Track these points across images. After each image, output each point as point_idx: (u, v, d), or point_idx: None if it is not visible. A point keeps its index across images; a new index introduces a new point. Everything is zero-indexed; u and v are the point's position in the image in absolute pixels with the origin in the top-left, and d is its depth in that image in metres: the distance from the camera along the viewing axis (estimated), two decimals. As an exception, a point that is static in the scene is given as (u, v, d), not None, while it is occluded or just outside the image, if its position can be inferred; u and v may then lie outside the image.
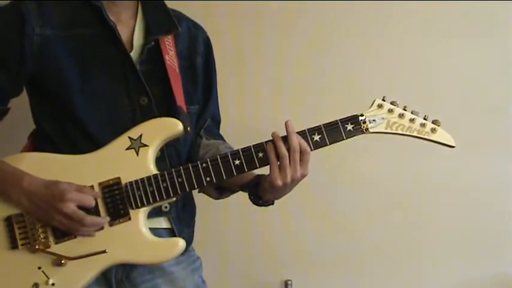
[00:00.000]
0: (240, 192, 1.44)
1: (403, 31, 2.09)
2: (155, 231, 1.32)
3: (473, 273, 2.10)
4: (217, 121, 1.56)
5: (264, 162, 1.31)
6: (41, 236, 1.27)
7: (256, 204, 1.39)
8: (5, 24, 1.31)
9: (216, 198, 1.49)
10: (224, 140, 1.54)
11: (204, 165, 1.30)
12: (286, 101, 2.07)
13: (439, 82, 2.06)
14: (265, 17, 2.06)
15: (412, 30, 2.09)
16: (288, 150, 1.27)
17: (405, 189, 2.07)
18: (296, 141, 1.27)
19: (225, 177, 1.30)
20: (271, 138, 1.30)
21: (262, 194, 1.35)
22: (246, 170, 1.30)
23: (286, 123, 1.29)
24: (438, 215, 2.08)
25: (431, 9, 2.07)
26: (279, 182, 1.27)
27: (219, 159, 1.30)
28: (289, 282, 2.06)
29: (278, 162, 1.28)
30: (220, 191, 1.47)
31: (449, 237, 2.09)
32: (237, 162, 1.30)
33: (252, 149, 1.30)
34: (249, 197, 1.40)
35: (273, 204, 1.40)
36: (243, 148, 1.31)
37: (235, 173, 1.30)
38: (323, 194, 2.02)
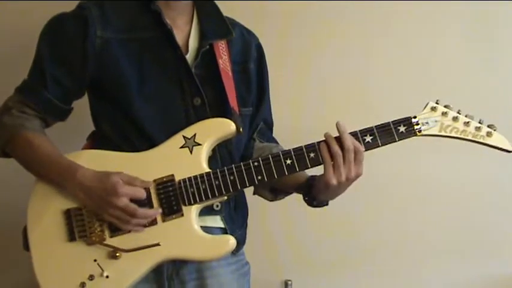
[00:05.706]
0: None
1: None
2: (208, 230, 1.34)
3: (473, 273, 2.06)
4: (269, 124, 1.59)
5: (316, 162, 1.31)
6: (98, 229, 1.31)
7: (310, 205, 1.40)
8: (70, 28, 1.38)
9: (270, 200, 1.50)
10: (277, 143, 1.56)
11: (255, 164, 1.32)
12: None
13: (437, 80, 2.03)
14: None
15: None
16: (342, 150, 1.28)
17: (405, 189, 2.04)
18: (350, 140, 1.28)
19: (276, 177, 1.31)
20: (322, 138, 1.31)
21: (316, 194, 1.36)
22: (298, 169, 1.31)
23: (337, 124, 1.30)
24: (438, 215, 2.05)
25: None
26: (334, 181, 1.28)
27: (270, 158, 1.32)
28: (289, 282, 2.04)
29: (332, 162, 1.29)
30: (275, 193, 1.49)
31: (449, 237, 2.05)
32: (288, 161, 1.31)
33: (304, 149, 1.32)
34: (304, 198, 1.41)
35: (327, 205, 1.40)
36: (295, 148, 1.32)
37: (286, 173, 1.31)
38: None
